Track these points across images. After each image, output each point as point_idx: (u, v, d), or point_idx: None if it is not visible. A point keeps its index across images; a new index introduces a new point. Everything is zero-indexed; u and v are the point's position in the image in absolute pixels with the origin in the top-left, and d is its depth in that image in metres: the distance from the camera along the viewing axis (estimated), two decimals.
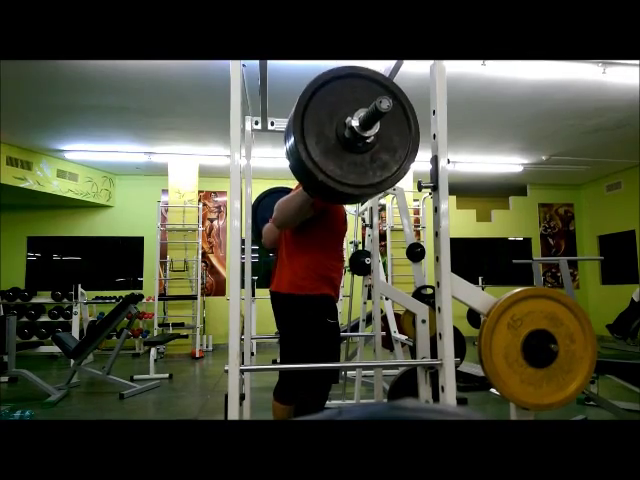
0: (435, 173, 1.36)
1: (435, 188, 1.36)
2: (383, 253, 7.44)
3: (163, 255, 7.36)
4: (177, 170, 7.47)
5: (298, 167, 1.29)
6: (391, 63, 1.73)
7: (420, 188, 1.39)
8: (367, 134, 1.21)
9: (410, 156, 1.29)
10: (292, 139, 1.22)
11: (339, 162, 1.22)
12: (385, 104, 1.10)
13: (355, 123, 1.20)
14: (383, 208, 7.38)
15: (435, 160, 1.36)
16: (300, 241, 1.97)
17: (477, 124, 6.11)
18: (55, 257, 8.37)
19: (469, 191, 8.89)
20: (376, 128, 1.21)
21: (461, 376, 4.22)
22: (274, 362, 5.25)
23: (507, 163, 7.77)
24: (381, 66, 1.81)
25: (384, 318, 3.61)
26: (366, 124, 1.19)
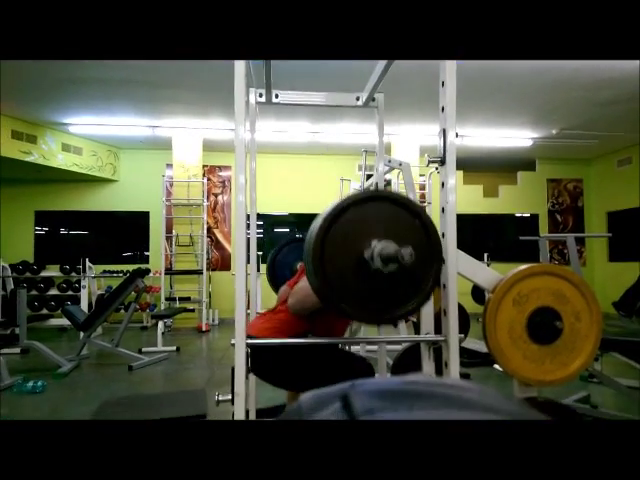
0: (443, 147, 1.34)
1: (443, 162, 1.34)
2: None
3: (169, 230, 7.39)
4: (181, 144, 7.42)
5: (321, 297, 1.24)
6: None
7: (428, 163, 1.36)
8: (387, 269, 1.16)
9: (435, 274, 1.23)
10: (312, 268, 1.17)
11: (363, 292, 1.18)
12: (407, 257, 1.07)
13: (377, 261, 1.14)
14: (389, 183, 7.32)
15: (443, 133, 1.34)
16: (301, 319, 1.84)
17: (485, 96, 5.98)
18: (62, 231, 8.43)
19: (476, 166, 8.78)
20: (395, 265, 1.17)
21: (464, 352, 4.26)
22: None
23: (516, 137, 7.65)
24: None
25: None
26: (386, 263, 1.14)
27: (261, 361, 1.75)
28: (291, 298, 1.79)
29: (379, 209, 1.21)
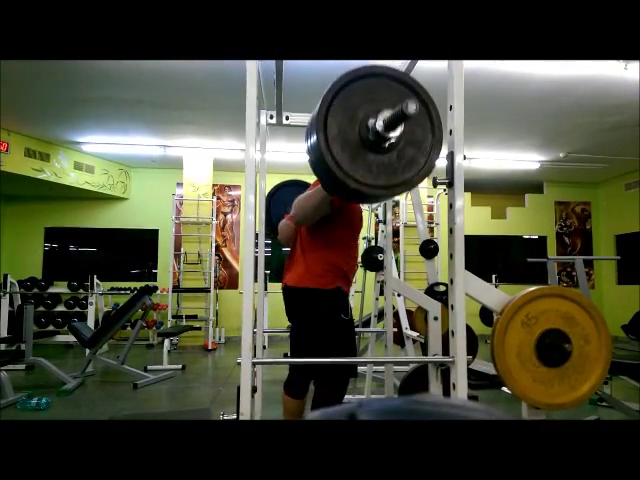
0: (451, 169, 1.35)
1: (450, 184, 1.35)
2: (396, 249, 7.41)
3: (177, 248, 7.43)
4: (192, 163, 7.52)
5: (327, 176, 1.25)
6: (406, 62, 1.72)
7: (436, 184, 1.38)
8: (392, 135, 1.17)
9: (435, 147, 1.25)
10: (316, 147, 1.19)
11: (367, 166, 1.20)
12: (412, 107, 1.05)
13: (379, 126, 1.15)
14: (397, 204, 7.35)
15: (451, 156, 1.35)
16: (315, 237, 1.98)
17: (493, 120, 6.03)
18: (71, 248, 8.50)
19: (484, 188, 8.80)
20: (401, 128, 1.17)
21: (472, 374, 4.20)
22: (285, 355, 5.28)
23: (524, 160, 7.67)
24: (396, 65, 1.80)
25: (396, 314, 3.61)
26: (390, 126, 1.15)
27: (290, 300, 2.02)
28: (293, 210, 1.86)
29: (378, 86, 1.23)
